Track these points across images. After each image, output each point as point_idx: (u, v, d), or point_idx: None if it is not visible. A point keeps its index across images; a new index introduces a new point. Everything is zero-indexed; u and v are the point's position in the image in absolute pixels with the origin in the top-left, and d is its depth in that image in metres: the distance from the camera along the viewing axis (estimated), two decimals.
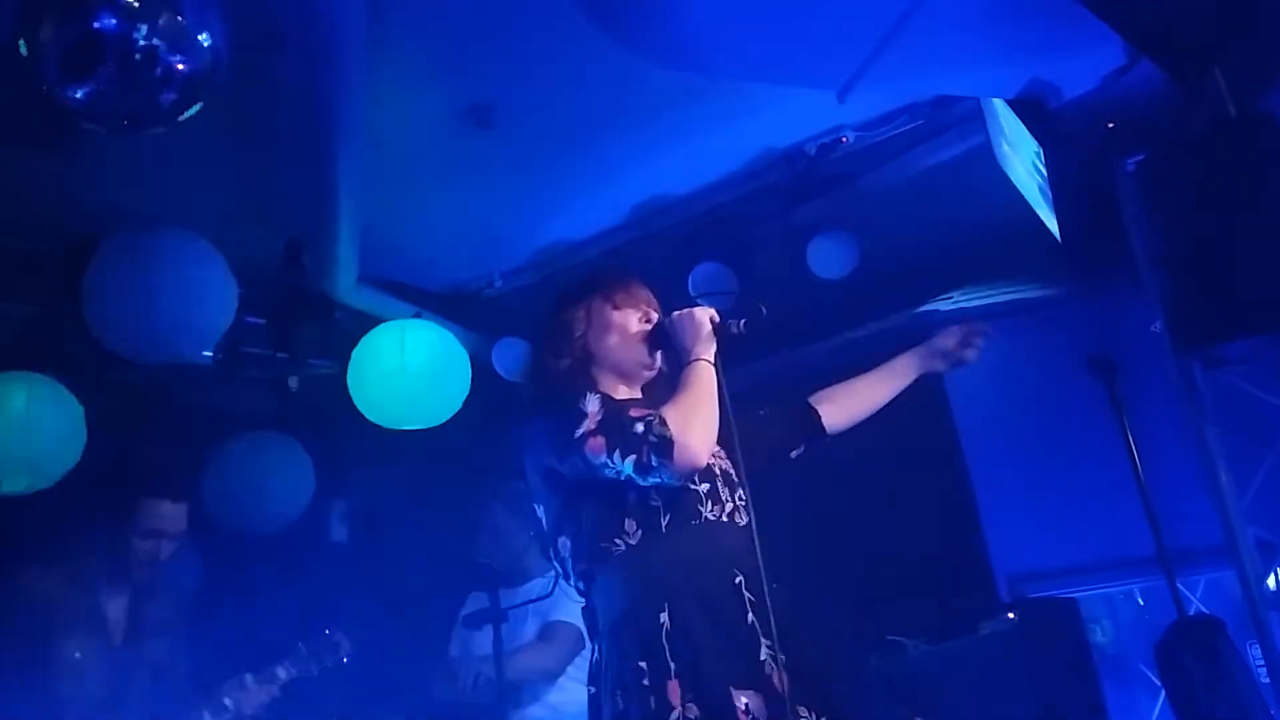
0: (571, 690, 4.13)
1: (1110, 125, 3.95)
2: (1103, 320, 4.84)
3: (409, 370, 4.51)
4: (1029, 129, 4.00)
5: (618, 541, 2.32)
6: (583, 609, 2.50)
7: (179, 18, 2.76)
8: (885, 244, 4.65)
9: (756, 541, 2.37)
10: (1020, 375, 5.13)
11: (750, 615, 2.28)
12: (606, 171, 4.32)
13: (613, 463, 2.27)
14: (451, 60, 3.56)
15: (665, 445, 2.24)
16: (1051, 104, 3.94)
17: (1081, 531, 4.88)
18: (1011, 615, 4.15)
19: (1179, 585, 4.20)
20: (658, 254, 4.65)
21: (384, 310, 4.85)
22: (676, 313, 2.54)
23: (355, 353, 4.67)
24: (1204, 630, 3.96)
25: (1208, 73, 3.57)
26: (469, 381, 4.76)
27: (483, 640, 4.13)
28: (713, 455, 2.45)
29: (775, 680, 2.21)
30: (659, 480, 2.29)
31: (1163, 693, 4.65)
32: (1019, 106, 3.94)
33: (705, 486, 2.42)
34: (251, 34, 3.15)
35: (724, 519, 2.41)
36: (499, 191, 4.37)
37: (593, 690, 2.34)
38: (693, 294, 4.60)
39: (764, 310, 2.49)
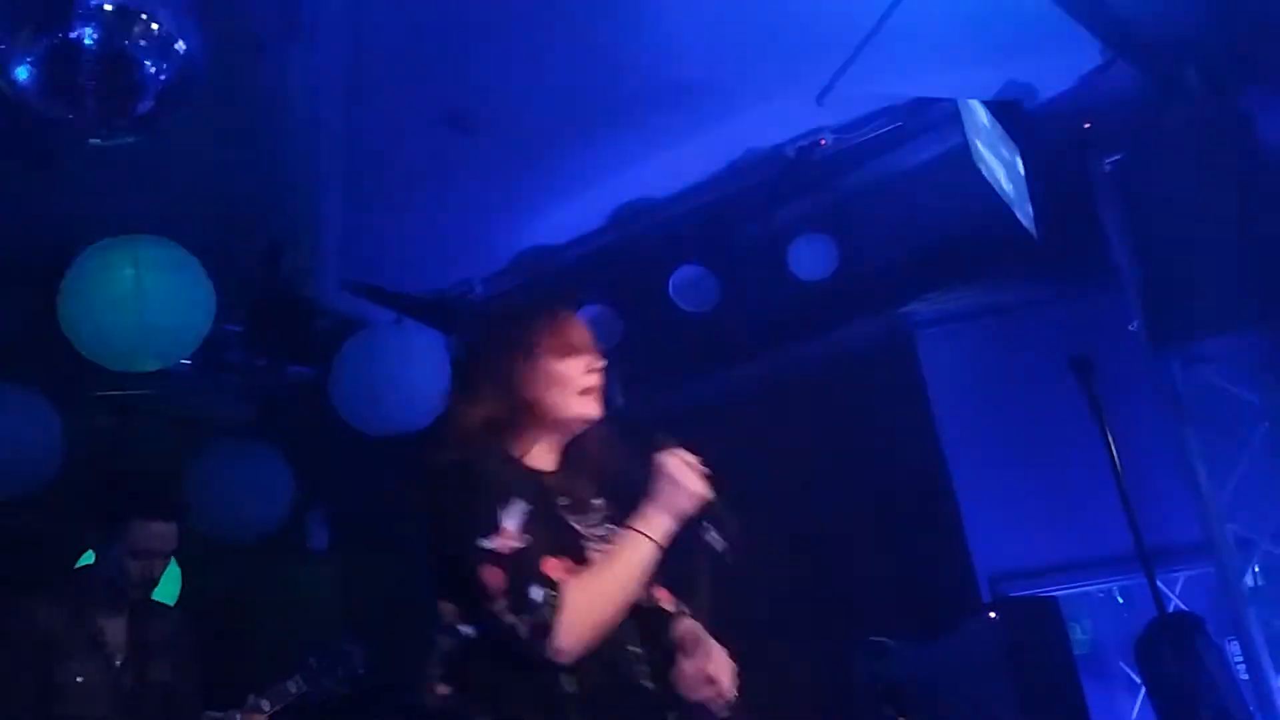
0: None
1: (1087, 125, 3.97)
2: (1081, 319, 4.87)
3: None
4: (1007, 130, 4.03)
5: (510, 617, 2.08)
6: (445, 687, 2.17)
7: (155, 25, 2.74)
8: (865, 245, 4.66)
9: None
10: (1000, 375, 5.16)
11: (651, 683, 2.17)
12: (587, 174, 4.31)
13: (496, 606, 2.05)
14: (432, 64, 3.55)
15: (544, 631, 2.02)
16: (1029, 105, 3.96)
17: (1062, 530, 4.91)
18: (993, 614, 4.17)
19: (1158, 583, 4.21)
20: (638, 257, 4.65)
21: (364, 316, 4.83)
22: (676, 458, 2.24)
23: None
24: (1183, 627, 3.98)
25: (1184, 73, 3.59)
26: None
27: None
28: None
29: None
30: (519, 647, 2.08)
31: (1142, 690, 4.68)
32: (997, 107, 3.96)
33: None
34: (230, 39, 3.13)
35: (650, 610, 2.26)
36: (480, 195, 4.36)
37: None
38: (672, 295, 4.60)
39: (736, 530, 2.23)
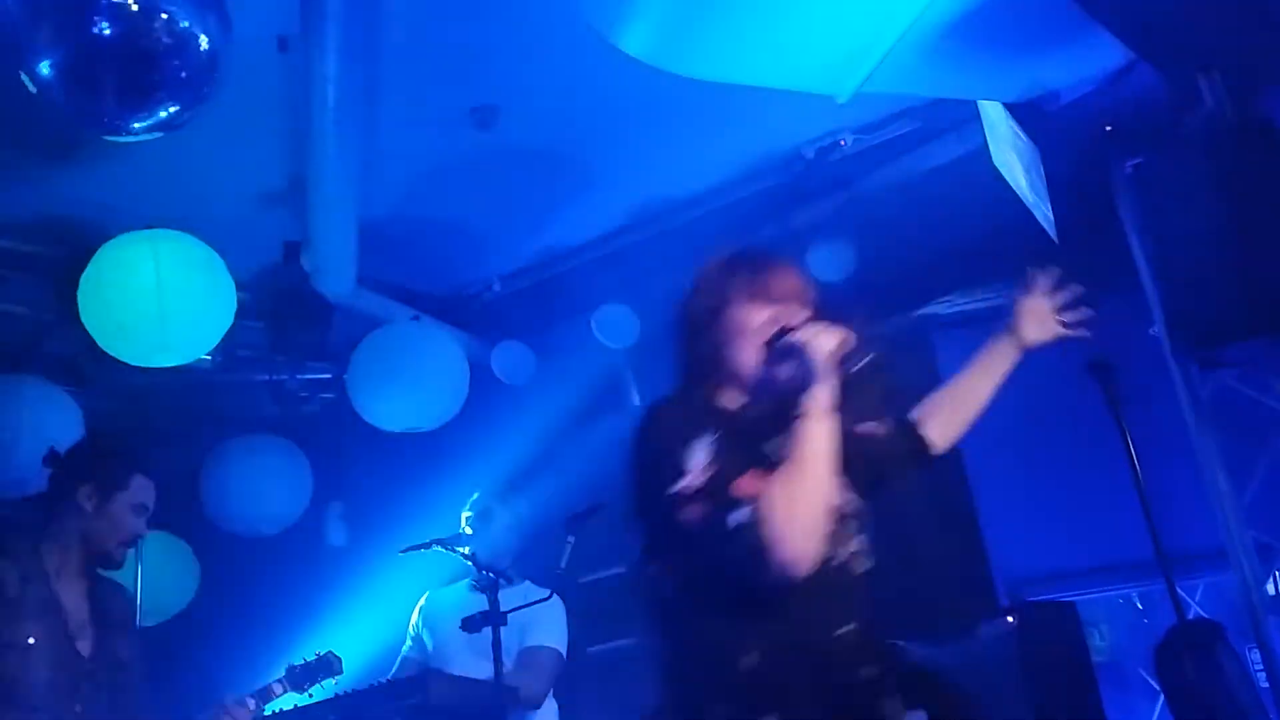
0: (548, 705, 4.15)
1: (1108, 128, 3.95)
2: (1100, 323, 4.83)
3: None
4: (1027, 132, 4.00)
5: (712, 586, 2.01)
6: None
7: (178, 22, 2.76)
8: (883, 246, 4.65)
9: None
10: (1018, 378, 5.09)
11: (864, 669, 2.04)
12: (606, 175, 4.32)
13: (713, 530, 1.96)
14: (453, 63, 3.57)
15: (758, 555, 1.92)
16: (1050, 107, 3.94)
17: (1080, 535, 4.87)
18: (1010, 619, 4.14)
19: (1178, 589, 4.18)
20: (656, 258, 4.65)
21: (383, 313, 4.85)
22: (800, 334, 2.11)
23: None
24: (1203, 634, 3.95)
25: (1205, 75, 3.57)
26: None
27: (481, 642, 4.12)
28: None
29: None
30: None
31: (1161, 697, 4.64)
32: (1017, 109, 3.94)
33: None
34: (252, 37, 3.15)
35: (842, 564, 2.12)
36: (499, 195, 4.37)
37: None
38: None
39: (879, 354, 2.11)
